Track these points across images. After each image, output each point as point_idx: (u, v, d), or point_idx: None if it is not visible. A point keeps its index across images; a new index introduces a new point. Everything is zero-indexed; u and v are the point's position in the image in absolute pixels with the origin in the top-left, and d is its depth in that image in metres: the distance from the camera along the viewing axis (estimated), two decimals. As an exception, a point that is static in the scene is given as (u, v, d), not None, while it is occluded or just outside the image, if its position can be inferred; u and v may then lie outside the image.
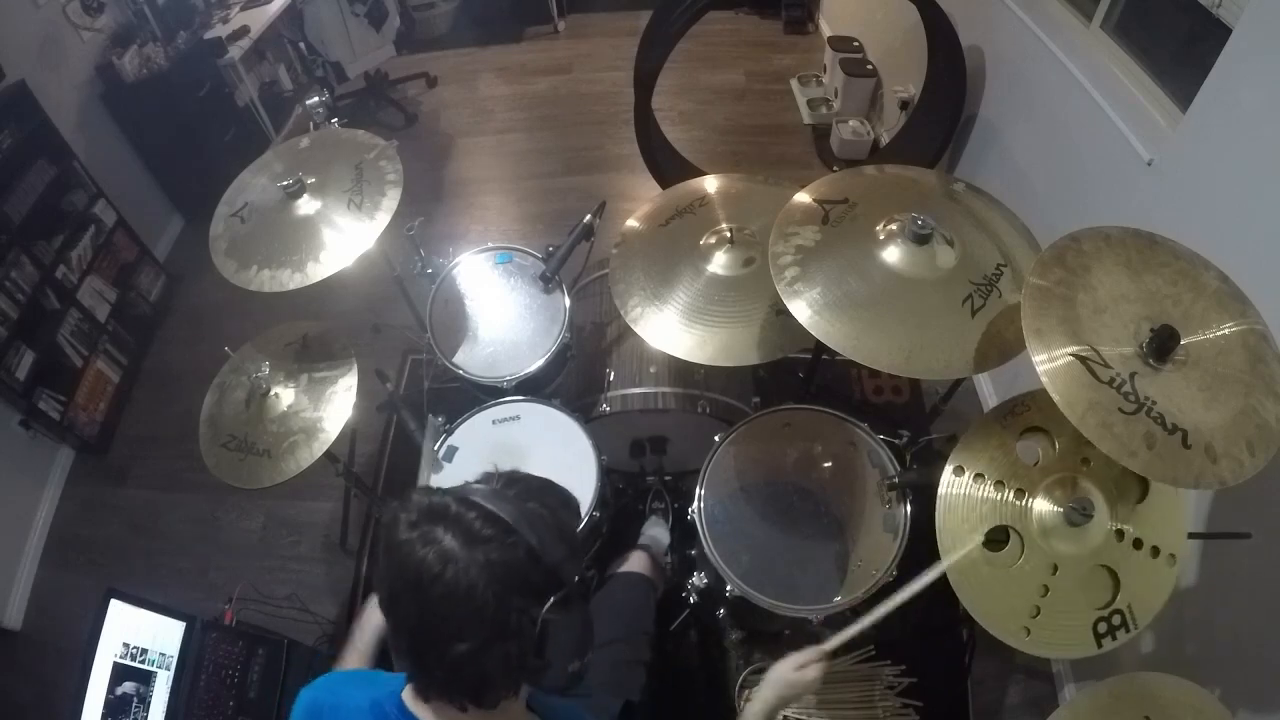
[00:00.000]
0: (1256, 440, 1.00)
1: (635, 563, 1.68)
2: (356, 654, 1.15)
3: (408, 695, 0.78)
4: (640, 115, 2.82)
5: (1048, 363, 1.03)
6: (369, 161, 1.73)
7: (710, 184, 1.78)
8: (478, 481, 0.79)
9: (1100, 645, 1.15)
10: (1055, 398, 1.00)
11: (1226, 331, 1.08)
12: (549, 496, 0.80)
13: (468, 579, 0.67)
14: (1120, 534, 1.18)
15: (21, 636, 2.31)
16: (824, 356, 1.79)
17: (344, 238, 1.63)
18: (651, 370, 1.88)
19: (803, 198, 1.46)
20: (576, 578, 0.74)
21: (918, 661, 1.80)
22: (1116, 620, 1.15)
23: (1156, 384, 1.02)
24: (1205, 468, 0.98)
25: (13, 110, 2.49)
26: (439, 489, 0.75)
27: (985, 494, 1.23)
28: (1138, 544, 1.18)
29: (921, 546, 1.33)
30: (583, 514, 1.56)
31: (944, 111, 2.79)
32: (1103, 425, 0.99)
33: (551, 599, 0.70)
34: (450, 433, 1.71)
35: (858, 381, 2.65)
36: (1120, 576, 1.17)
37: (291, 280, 1.58)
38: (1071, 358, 1.03)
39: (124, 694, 1.66)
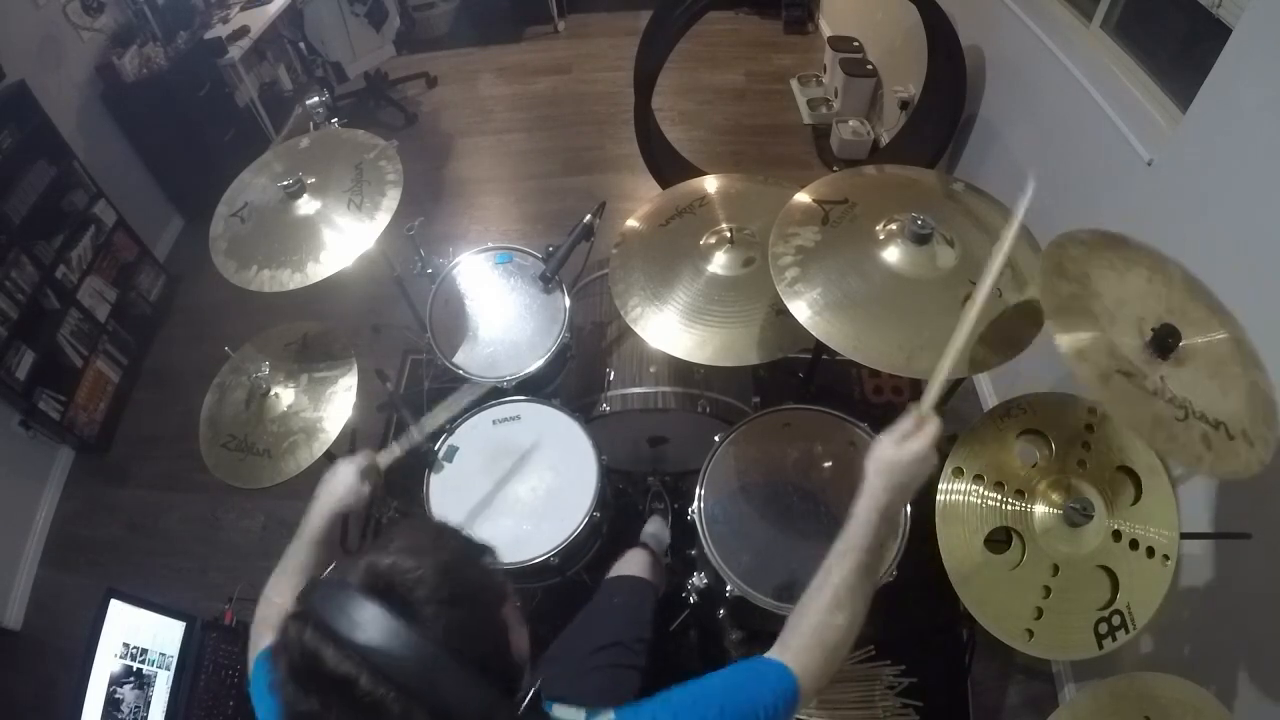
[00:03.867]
0: (1269, 414, 1.01)
1: (635, 564, 1.66)
2: (305, 544, 1.04)
3: None
4: (640, 115, 2.83)
5: (1102, 386, 0.98)
6: (369, 161, 1.73)
7: (710, 184, 1.78)
8: (363, 569, 0.62)
9: (1101, 646, 1.15)
10: (1124, 423, 1.00)
11: (1205, 317, 1.09)
12: (457, 588, 0.61)
13: None
14: (1117, 535, 1.19)
15: (21, 636, 2.31)
16: (824, 356, 1.79)
17: (344, 238, 1.63)
18: (651, 370, 1.88)
19: (803, 198, 1.46)
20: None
21: (918, 661, 1.80)
22: (1116, 620, 1.16)
23: (1180, 382, 1.02)
24: (1249, 454, 0.98)
25: (13, 110, 2.50)
26: (317, 605, 0.59)
27: (985, 495, 1.23)
28: (1134, 545, 1.18)
29: (922, 547, 1.33)
30: (583, 515, 1.56)
31: (944, 111, 2.79)
32: (1170, 439, 0.97)
33: None
34: (450, 433, 1.71)
35: (858, 381, 2.65)
36: (1119, 577, 1.17)
37: (291, 280, 1.58)
38: (1119, 375, 1.00)
39: (124, 694, 1.66)
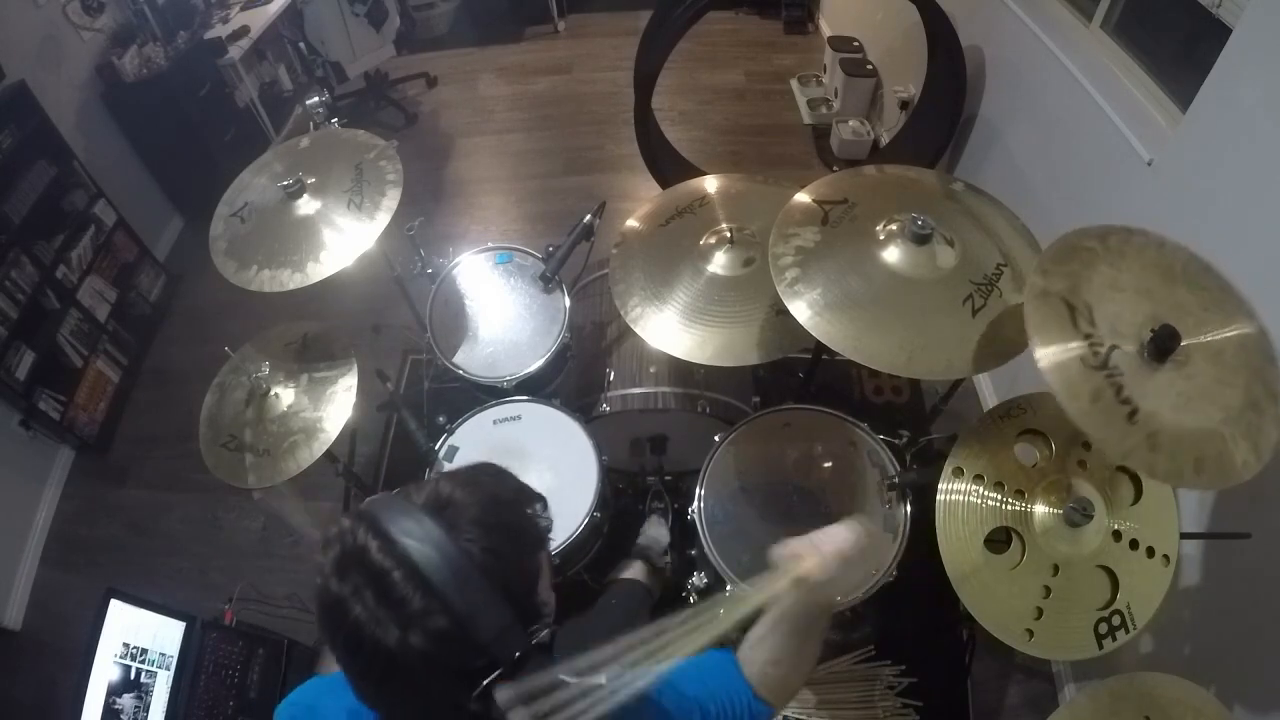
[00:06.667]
0: (1211, 467, 0.98)
1: (634, 570, 1.68)
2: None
3: None
4: (640, 115, 2.82)
5: (1037, 301, 1.05)
6: (369, 161, 1.73)
7: (710, 184, 1.78)
8: (425, 491, 0.67)
9: (1101, 646, 1.15)
10: (1029, 329, 1.03)
11: (1233, 360, 1.06)
12: (503, 517, 0.66)
13: (385, 656, 0.59)
14: (1117, 535, 1.19)
15: (21, 636, 2.31)
16: (824, 356, 1.79)
17: (344, 238, 1.63)
18: (651, 370, 1.88)
19: (803, 198, 1.46)
20: (519, 651, 0.62)
21: (918, 661, 1.80)
22: (1116, 620, 1.16)
23: (1137, 370, 1.02)
24: (1139, 449, 0.98)
25: (13, 110, 2.49)
26: (374, 509, 0.64)
27: (985, 495, 1.23)
28: (1134, 545, 1.18)
29: (921, 546, 1.33)
30: (583, 515, 1.56)
31: (944, 111, 2.79)
32: (1058, 366, 1.00)
33: (483, 683, 0.60)
34: (451, 433, 1.71)
35: (858, 381, 2.65)
36: (1119, 577, 1.17)
37: (291, 280, 1.58)
38: (1062, 302, 1.04)
39: (124, 694, 1.66)
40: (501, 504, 0.68)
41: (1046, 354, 1.01)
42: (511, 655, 0.62)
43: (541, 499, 0.73)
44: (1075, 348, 1.01)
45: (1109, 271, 1.10)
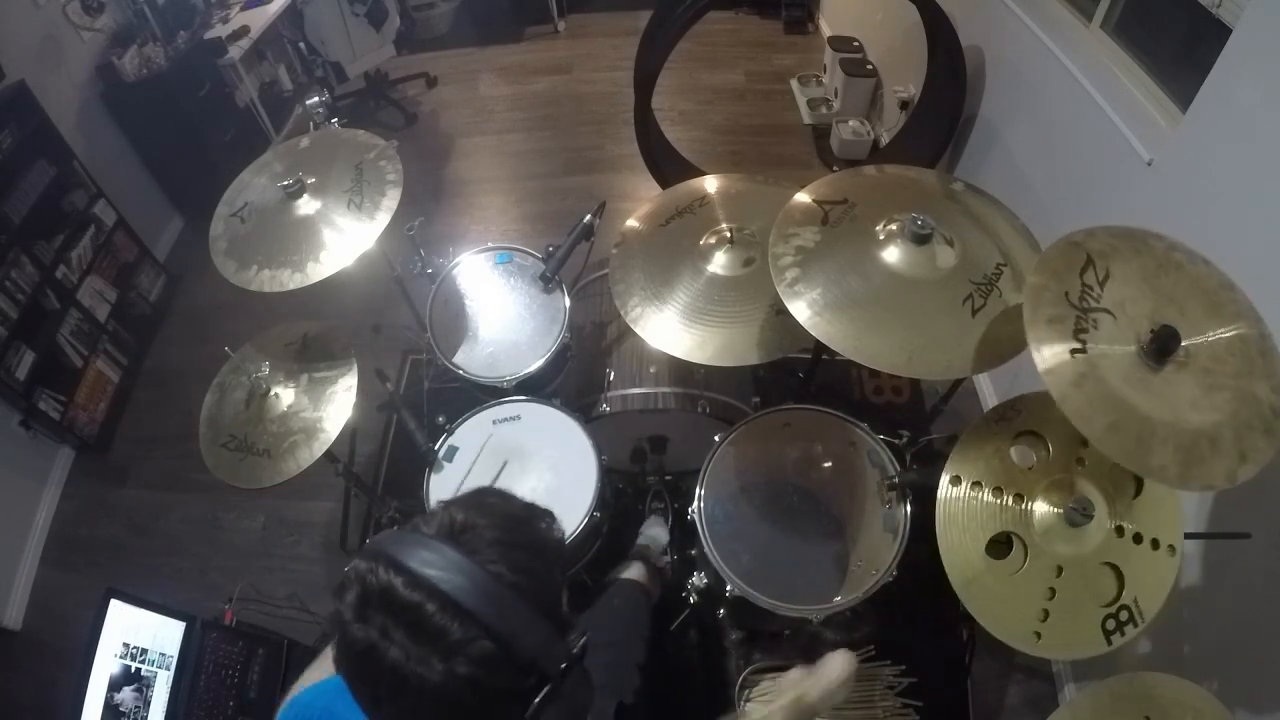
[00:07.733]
0: (1126, 437, 0.98)
1: (632, 571, 1.68)
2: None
3: None
4: (640, 115, 2.82)
5: (1065, 245, 1.09)
6: (369, 161, 1.73)
7: (710, 184, 1.78)
8: (435, 521, 0.65)
9: (1110, 642, 1.14)
10: (1039, 260, 1.08)
11: (1229, 402, 1.03)
12: (522, 536, 0.66)
13: (433, 692, 0.57)
14: (1120, 530, 1.18)
15: (21, 636, 2.31)
16: (824, 356, 1.79)
17: (344, 238, 1.63)
18: (651, 370, 1.88)
19: (802, 198, 1.45)
20: (564, 663, 0.63)
21: (918, 661, 1.80)
22: (1124, 616, 1.15)
23: (1117, 352, 1.03)
24: (1063, 378, 1.00)
25: (13, 110, 2.49)
26: (387, 546, 0.62)
27: (984, 501, 1.22)
28: (1138, 538, 1.18)
29: (922, 547, 1.33)
30: (583, 514, 1.56)
31: (944, 111, 2.79)
32: (1040, 291, 1.05)
33: (536, 700, 0.60)
34: (451, 433, 1.71)
35: (858, 381, 2.65)
36: (1124, 572, 1.17)
37: (291, 280, 1.58)
38: (1084, 254, 1.08)
39: (124, 694, 1.66)
40: (517, 522, 0.68)
41: (1037, 280, 1.06)
42: (558, 668, 0.62)
43: (550, 513, 0.73)
44: (1069, 287, 1.06)
45: (1152, 266, 1.11)
